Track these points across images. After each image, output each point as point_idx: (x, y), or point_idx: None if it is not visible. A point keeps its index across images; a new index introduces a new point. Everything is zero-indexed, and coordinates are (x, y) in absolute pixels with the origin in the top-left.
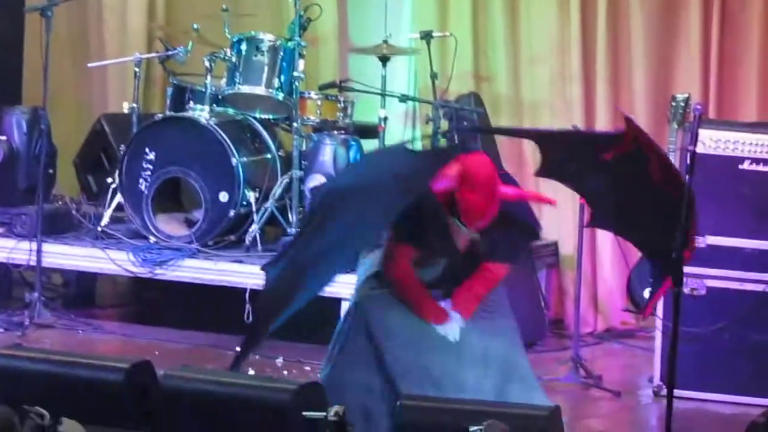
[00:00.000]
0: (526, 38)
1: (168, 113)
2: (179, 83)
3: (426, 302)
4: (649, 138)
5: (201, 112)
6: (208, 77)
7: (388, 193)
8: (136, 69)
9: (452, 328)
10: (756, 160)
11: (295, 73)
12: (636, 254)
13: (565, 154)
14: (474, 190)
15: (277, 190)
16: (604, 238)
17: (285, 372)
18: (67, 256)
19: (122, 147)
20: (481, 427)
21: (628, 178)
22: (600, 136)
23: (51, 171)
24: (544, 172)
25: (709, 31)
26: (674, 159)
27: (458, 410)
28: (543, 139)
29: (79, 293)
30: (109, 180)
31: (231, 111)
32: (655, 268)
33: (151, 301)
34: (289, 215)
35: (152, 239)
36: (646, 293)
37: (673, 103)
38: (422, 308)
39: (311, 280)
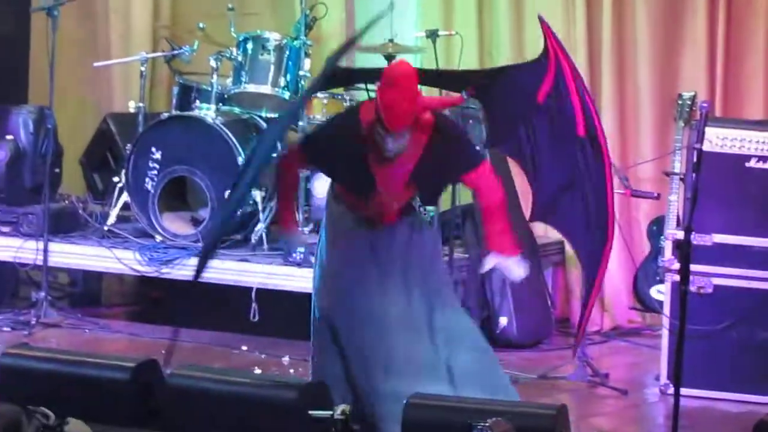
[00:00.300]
0: (532, 37)
1: (174, 112)
2: (185, 82)
3: (284, 209)
4: (563, 50)
5: (207, 111)
6: (214, 76)
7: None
8: (142, 68)
9: (514, 266)
10: (762, 158)
11: (301, 72)
12: (642, 253)
13: (507, 105)
14: (392, 86)
15: None
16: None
17: (291, 371)
18: (73, 255)
19: (128, 146)
20: (485, 424)
21: (556, 136)
22: (526, 65)
23: (57, 170)
24: (495, 139)
25: (714, 29)
26: (680, 157)
27: (463, 408)
28: (483, 93)
29: (86, 292)
30: (116, 179)
31: (237, 110)
32: (583, 272)
33: (157, 300)
34: (296, 214)
35: (158, 238)
36: (653, 292)
37: (680, 102)
38: (281, 214)
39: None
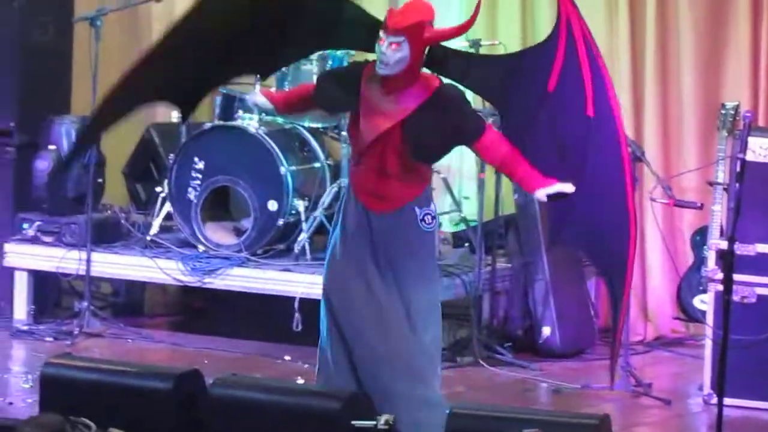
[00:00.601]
0: None
1: (217, 122)
2: (228, 92)
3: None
4: (576, 14)
5: (250, 121)
6: (257, 86)
7: None
8: None
9: (562, 187)
10: None
11: None
12: (686, 263)
13: (521, 99)
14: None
15: (326, 199)
16: (653, 247)
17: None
18: (116, 265)
19: (171, 156)
20: None
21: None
22: (538, 46)
23: (100, 180)
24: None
25: (758, 39)
26: (723, 167)
27: (503, 417)
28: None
29: (128, 302)
30: (158, 189)
31: (280, 120)
32: (608, 287)
33: (200, 310)
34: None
35: (201, 248)
36: (696, 301)
37: (723, 111)
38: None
39: None
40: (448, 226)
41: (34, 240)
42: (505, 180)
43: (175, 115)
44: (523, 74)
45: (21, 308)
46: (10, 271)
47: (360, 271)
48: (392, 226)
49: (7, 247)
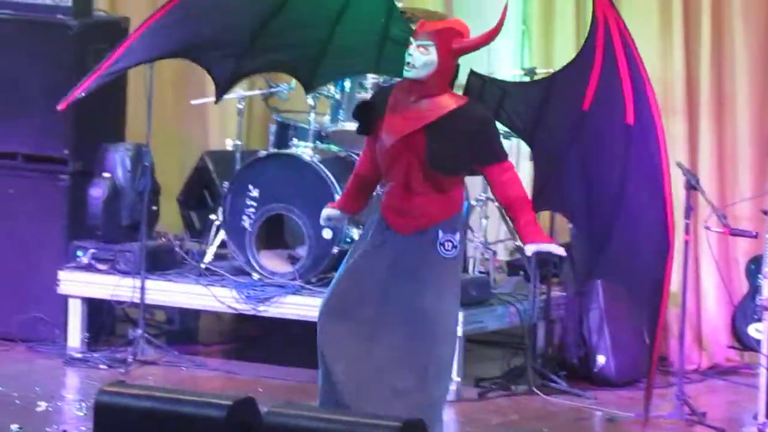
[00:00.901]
0: None
1: (271, 150)
2: (282, 120)
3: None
4: (613, 13)
5: (304, 149)
6: (312, 114)
7: None
8: (239, 106)
9: (554, 248)
10: None
11: None
12: (741, 291)
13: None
14: None
15: None
16: (708, 275)
17: None
18: (170, 292)
19: (225, 184)
20: None
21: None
22: (573, 62)
23: (154, 208)
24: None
25: None
26: None
27: None
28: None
29: (183, 330)
30: (213, 217)
31: (334, 148)
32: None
33: (254, 338)
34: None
35: (255, 276)
36: (751, 330)
37: None
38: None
39: None
40: (503, 255)
41: (88, 267)
42: None
43: (229, 143)
44: (557, 98)
45: (75, 336)
46: (64, 299)
47: (368, 288)
48: (411, 245)
49: (62, 274)
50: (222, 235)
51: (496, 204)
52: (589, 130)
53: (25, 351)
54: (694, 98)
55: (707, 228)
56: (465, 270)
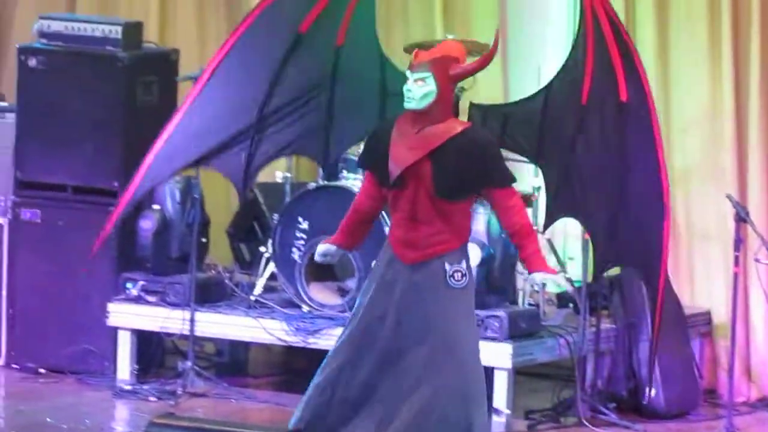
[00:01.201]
0: (677, 105)
1: (321, 182)
2: None
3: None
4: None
5: (354, 181)
6: (361, 145)
7: None
8: None
9: (560, 280)
10: None
11: None
12: None
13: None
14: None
15: None
16: (758, 306)
17: None
18: (220, 325)
19: (275, 216)
20: None
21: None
22: (567, 63)
23: (204, 240)
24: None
25: None
26: None
27: None
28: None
29: (232, 362)
30: (262, 249)
31: None
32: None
33: (304, 370)
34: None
35: (305, 308)
36: None
37: None
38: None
39: None
40: (552, 287)
41: (137, 299)
42: None
43: (279, 175)
44: (557, 104)
45: (124, 368)
46: (113, 331)
47: (374, 323)
48: (420, 276)
49: (111, 306)
50: (271, 267)
51: (546, 237)
52: (590, 122)
53: (75, 383)
54: (743, 130)
55: (757, 260)
56: (515, 302)
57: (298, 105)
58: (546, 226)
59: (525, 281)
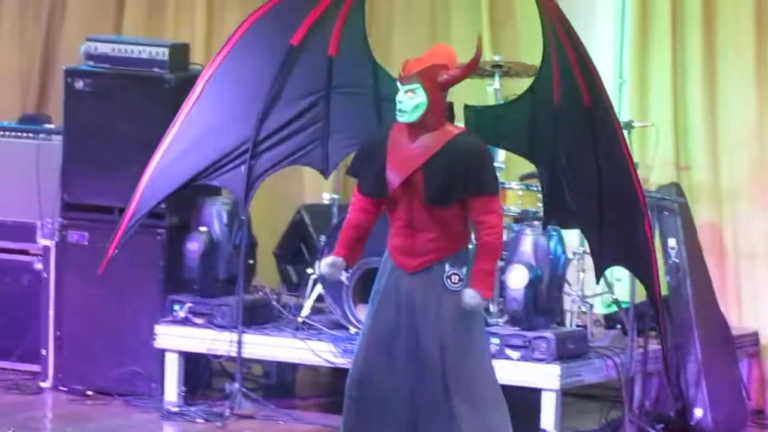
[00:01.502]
0: (724, 126)
1: None
2: None
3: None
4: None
5: None
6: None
7: None
8: None
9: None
10: None
11: (496, 164)
12: None
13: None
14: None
15: None
16: None
17: None
18: (267, 346)
19: (322, 238)
20: None
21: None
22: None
23: (251, 261)
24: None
25: None
26: None
27: None
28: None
29: (280, 384)
30: (310, 270)
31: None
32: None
33: None
34: (490, 306)
35: (352, 330)
36: None
37: None
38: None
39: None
40: (600, 308)
41: (185, 322)
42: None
43: (326, 197)
44: (540, 106)
45: (172, 390)
46: (161, 353)
47: (386, 335)
48: (420, 283)
49: (158, 328)
50: (319, 288)
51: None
52: (563, 126)
53: (122, 405)
54: None
55: None
56: (562, 323)
57: (295, 116)
58: (544, 227)
59: (572, 302)
